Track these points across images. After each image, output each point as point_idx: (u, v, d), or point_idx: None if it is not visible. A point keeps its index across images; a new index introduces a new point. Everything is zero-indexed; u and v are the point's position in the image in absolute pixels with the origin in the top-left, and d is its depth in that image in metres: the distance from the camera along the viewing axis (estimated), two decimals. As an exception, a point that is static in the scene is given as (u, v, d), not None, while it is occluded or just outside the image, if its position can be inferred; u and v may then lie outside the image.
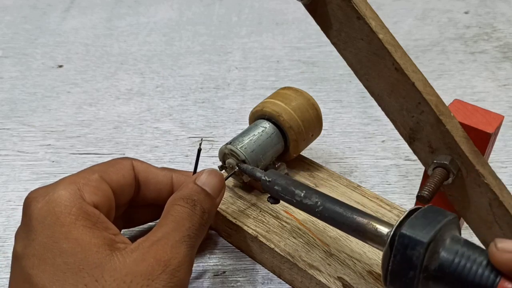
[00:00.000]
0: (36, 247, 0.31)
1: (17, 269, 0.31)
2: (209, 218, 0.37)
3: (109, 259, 0.30)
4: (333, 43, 0.34)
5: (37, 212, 0.32)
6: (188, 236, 0.33)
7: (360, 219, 0.31)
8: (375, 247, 0.30)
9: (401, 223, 0.27)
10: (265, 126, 0.45)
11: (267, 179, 0.36)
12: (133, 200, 0.39)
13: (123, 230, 0.43)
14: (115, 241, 0.32)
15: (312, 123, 0.47)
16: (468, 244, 0.26)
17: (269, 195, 0.37)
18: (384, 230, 0.29)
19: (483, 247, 0.34)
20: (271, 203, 0.37)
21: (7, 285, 0.42)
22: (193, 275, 0.43)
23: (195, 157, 0.53)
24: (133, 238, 0.35)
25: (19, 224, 0.48)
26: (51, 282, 0.30)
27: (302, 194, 0.33)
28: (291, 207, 0.44)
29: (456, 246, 0.26)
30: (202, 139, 0.46)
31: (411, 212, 0.28)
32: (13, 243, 0.45)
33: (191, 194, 0.36)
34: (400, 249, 0.26)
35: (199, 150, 0.42)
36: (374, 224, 0.30)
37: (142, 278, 0.30)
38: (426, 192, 0.30)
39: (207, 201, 0.36)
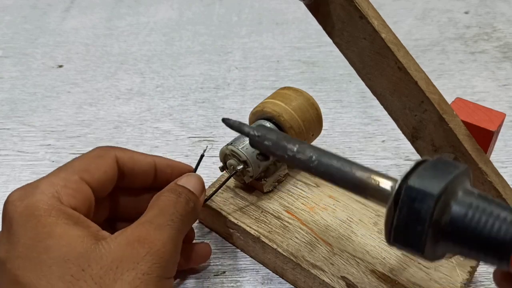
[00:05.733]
0: (19, 249, 0.30)
1: (3, 274, 0.31)
2: (195, 210, 0.37)
3: (94, 248, 0.30)
4: (335, 43, 0.34)
5: (17, 217, 0.32)
6: (172, 220, 0.33)
7: (360, 173, 0.27)
8: (377, 204, 0.27)
9: (408, 176, 0.24)
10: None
11: (256, 134, 0.32)
12: (117, 187, 0.39)
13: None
14: (99, 233, 0.32)
15: (313, 123, 0.47)
16: (483, 196, 0.24)
17: (258, 152, 0.34)
18: (387, 184, 0.26)
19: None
20: (260, 160, 0.34)
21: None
22: (193, 275, 0.43)
23: (195, 157, 0.53)
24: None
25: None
26: (37, 278, 0.29)
27: (295, 148, 0.30)
28: (293, 207, 0.44)
29: (470, 198, 0.23)
30: (207, 146, 0.45)
31: (418, 163, 0.25)
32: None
33: (175, 187, 0.37)
34: (406, 202, 0.23)
35: (202, 156, 0.42)
36: (376, 178, 0.27)
37: (128, 262, 0.30)
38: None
39: (191, 195, 0.37)
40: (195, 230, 0.45)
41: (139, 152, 0.40)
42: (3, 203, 0.34)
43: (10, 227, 0.32)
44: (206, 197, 0.43)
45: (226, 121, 0.35)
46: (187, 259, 0.40)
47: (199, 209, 0.38)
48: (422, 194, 0.23)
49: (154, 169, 0.40)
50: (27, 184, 0.34)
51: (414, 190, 0.23)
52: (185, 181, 0.38)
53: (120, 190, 0.40)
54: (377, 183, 0.26)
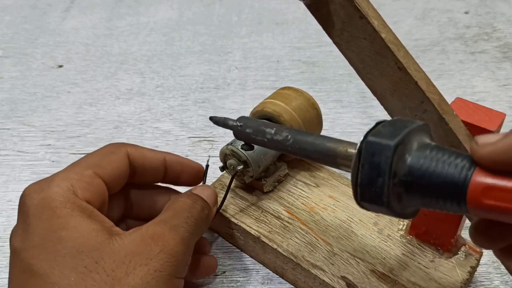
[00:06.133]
0: (35, 239, 0.31)
1: (17, 263, 0.31)
2: (208, 217, 0.38)
3: (108, 242, 0.31)
4: (335, 43, 0.34)
5: (33, 208, 0.32)
6: (186, 223, 0.34)
7: (330, 144, 0.29)
8: (348, 171, 0.28)
9: (368, 134, 0.25)
10: (266, 126, 0.45)
11: (239, 124, 0.35)
12: (128, 183, 0.39)
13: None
14: (113, 229, 0.33)
15: (313, 123, 0.47)
16: (439, 147, 0.25)
17: (242, 143, 0.36)
18: (354, 148, 0.28)
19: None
20: (245, 150, 0.36)
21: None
22: (193, 274, 0.43)
23: (195, 157, 0.53)
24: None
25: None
26: (51, 267, 0.30)
27: (273, 131, 0.33)
28: (293, 207, 0.44)
29: (425, 149, 0.25)
30: (209, 156, 0.46)
31: (378, 123, 0.26)
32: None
33: (191, 194, 0.38)
34: (367, 157, 0.25)
35: (207, 166, 0.43)
36: (345, 146, 0.29)
37: (141, 258, 0.31)
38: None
39: (206, 203, 0.38)
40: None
41: (149, 149, 0.41)
42: (20, 196, 0.34)
43: (26, 218, 0.32)
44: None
45: (212, 118, 0.37)
46: (193, 271, 0.41)
47: (211, 219, 0.39)
48: (380, 147, 0.24)
49: (164, 166, 0.41)
50: (42, 179, 0.35)
51: (373, 144, 0.25)
52: (200, 190, 0.39)
53: (132, 188, 0.41)
54: (345, 149, 0.28)
